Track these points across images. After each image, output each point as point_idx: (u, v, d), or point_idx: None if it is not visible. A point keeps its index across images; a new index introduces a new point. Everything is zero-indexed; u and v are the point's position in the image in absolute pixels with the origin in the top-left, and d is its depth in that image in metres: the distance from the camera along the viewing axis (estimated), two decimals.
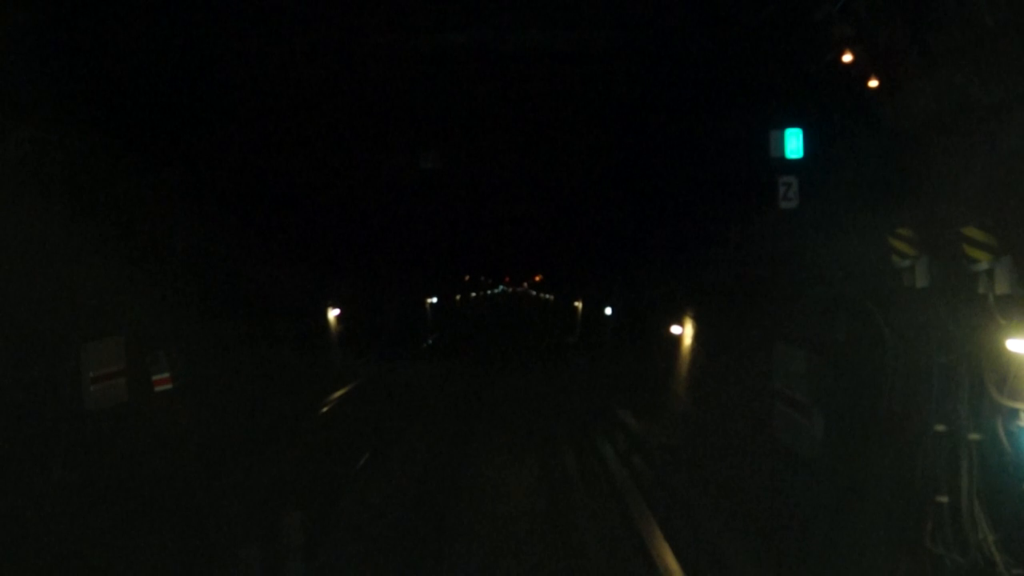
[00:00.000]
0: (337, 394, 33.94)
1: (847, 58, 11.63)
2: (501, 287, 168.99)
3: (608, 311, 42.75)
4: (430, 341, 68.18)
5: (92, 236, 15.89)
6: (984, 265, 9.06)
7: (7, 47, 12.63)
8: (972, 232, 9.13)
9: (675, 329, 24.76)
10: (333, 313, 39.83)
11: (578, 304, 61.66)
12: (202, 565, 15.80)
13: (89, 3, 13.95)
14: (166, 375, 18.82)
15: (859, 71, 11.61)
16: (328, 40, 16.38)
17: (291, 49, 16.83)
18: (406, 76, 19.10)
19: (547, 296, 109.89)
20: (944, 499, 10.04)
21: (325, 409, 31.20)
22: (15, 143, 13.54)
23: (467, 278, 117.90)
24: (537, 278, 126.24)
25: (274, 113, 20.81)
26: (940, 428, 10.16)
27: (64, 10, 13.58)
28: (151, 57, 15.86)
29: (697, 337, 22.89)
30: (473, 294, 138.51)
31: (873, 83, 11.38)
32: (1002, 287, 9.00)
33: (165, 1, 14.67)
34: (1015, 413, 8.99)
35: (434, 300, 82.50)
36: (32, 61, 13.35)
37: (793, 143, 13.65)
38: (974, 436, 9.71)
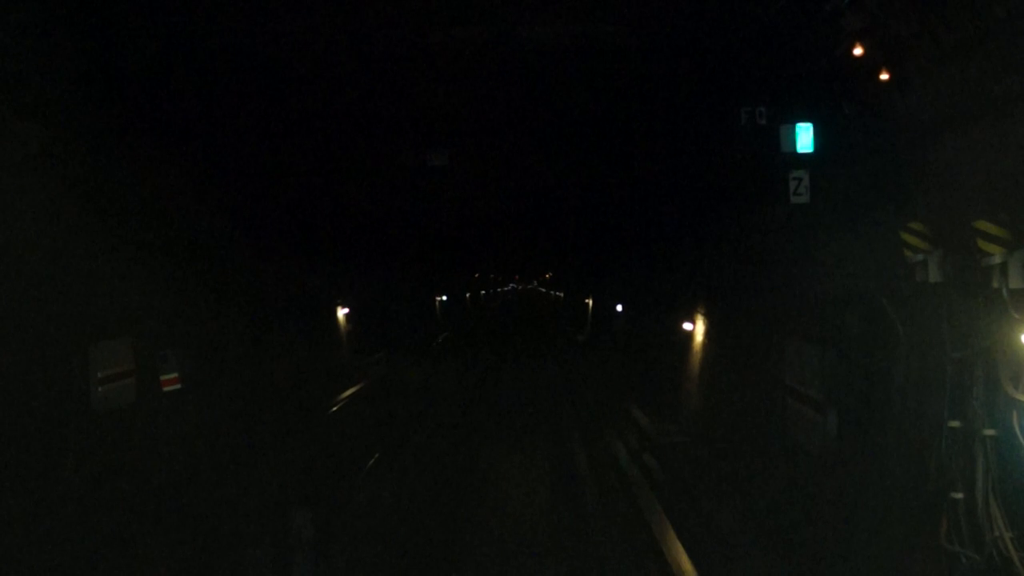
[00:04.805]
0: (346, 393, 33.90)
1: (857, 51, 11.52)
2: (511, 285, 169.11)
3: (619, 308, 42.66)
4: (440, 339, 68.09)
5: (101, 235, 15.86)
6: (997, 259, 8.95)
7: (12, 45, 12.60)
8: (985, 226, 9.03)
9: (687, 326, 24.67)
10: (342, 312, 39.80)
11: (588, 301, 61.57)
12: (211, 565, 15.77)
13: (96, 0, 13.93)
14: (174, 375, 18.77)
15: (870, 64, 11.51)
16: (337, 36, 16.33)
17: (300, 46, 16.79)
18: (414, 73, 19.04)
19: (557, 293, 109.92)
20: (959, 496, 9.95)
21: (335, 408, 31.17)
22: (22, 142, 13.50)
23: (476, 276, 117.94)
24: (547, 276, 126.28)
25: (282, 111, 20.77)
26: (954, 424, 10.07)
27: (72, 6, 13.55)
28: (160, 55, 15.82)
29: (709, 334, 22.79)
30: (483, 292, 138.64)
31: (884, 76, 11.27)
32: (1016, 281, 8.90)
33: None
34: None
35: (444, 298, 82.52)
36: (39, 58, 13.32)
37: (804, 138, 13.55)
38: (989, 432, 9.62)
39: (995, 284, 9.10)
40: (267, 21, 15.54)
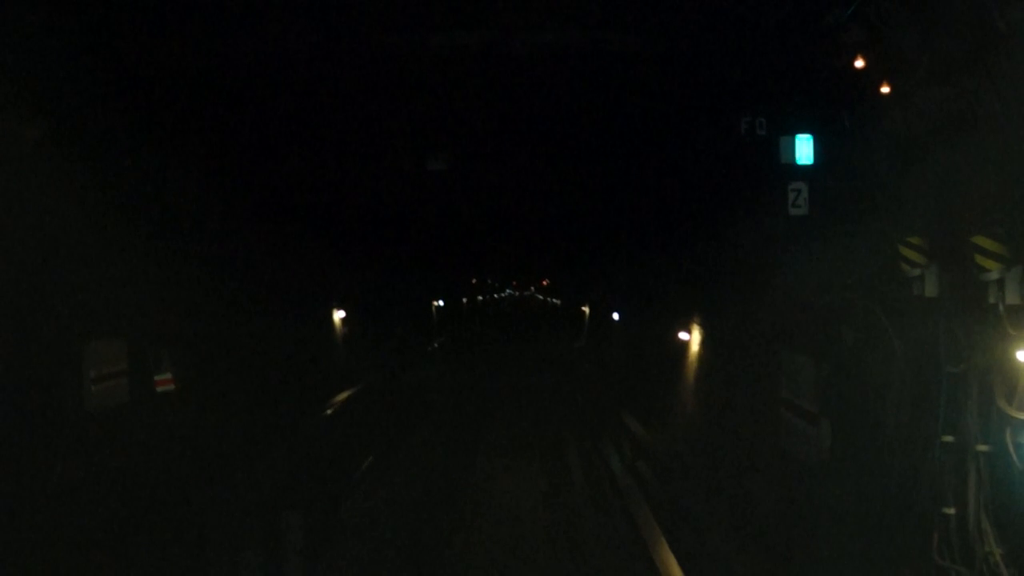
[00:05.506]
0: (341, 397, 33.86)
1: (858, 64, 11.51)
2: (508, 291, 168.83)
3: (615, 316, 42.63)
4: (436, 344, 68.06)
5: (95, 235, 15.81)
6: (994, 275, 8.94)
7: (11, 44, 12.57)
8: (982, 241, 9.02)
9: (683, 335, 24.64)
10: (338, 315, 39.74)
11: (585, 309, 61.53)
12: (203, 567, 15.72)
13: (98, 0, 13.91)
14: (168, 375, 18.73)
15: (870, 77, 11.50)
16: (336, 40, 16.29)
17: (299, 48, 16.75)
18: (413, 77, 19.00)
19: (554, 300, 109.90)
20: (951, 511, 9.94)
21: (329, 412, 31.11)
22: (19, 141, 13.46)
23: (474, 281, 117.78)
24: (544, 282, 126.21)
25: (280, 113, 20.73)
26: (948, 439, 10.05)
27: (72, 6, 13.52)
28: (155, 55, 15.79)
29: (705, 343, 22.77)
30: (480, 297, 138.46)
31: (884, 89, 11.26)
32: (1012, 297, 8.89)
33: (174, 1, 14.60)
34: None
35: (440, 303, 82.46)
36: (37, 57, 13.29)
37: (803, 149, 13.52)
38: (982, 448, 9.60)
39: (992, 300, 9.09)
40: (267, 25, 15.52)
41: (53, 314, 14.76)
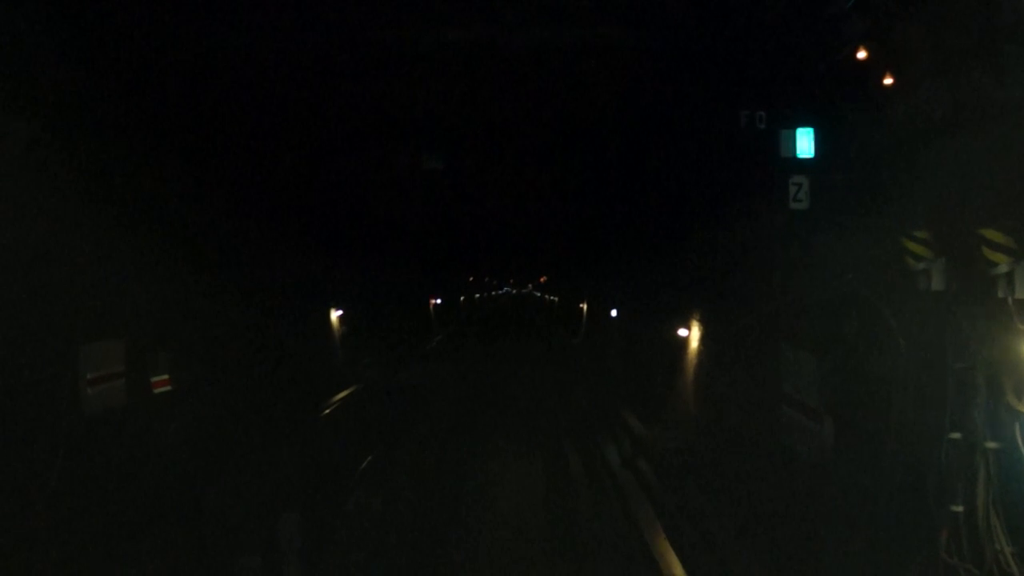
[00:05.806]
0: (339, 396, 33.76)
1: (861, 55, 11.38)
2: (506, 288, 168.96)
3: (613, 313, 42.53)
4: (434, 343, 68.00)
5: (92, 236, 15.69)
6: (1003, 268, 8.82)
7: (6, 44, 12.46)
8: (991, 234, 8.90)
9: (682, 331, 24.51)
10: (336, 314, 39.63)
11: (583, 306, 61.47)
12: (201, 570, 15.62)
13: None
14: (165, 376, 18.63)
15: (872, 68, 11.38)
16: (333, 38, 16.22)
17: (296, 47, 16.67)
18: (411, 75, 18.92)
19: (552, 298, 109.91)
20: (959, 509, 9.81)
21: (327, 412, 31.01)
22: (13, 142, 13.34)
23: (471, 279, 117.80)
24: (542, 279, 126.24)
25: (278, 112, 20.64)
26: (955, 435, 9.93)
27: (66, 6, 13.42)
28: (152, 54, 15.69)
29: (704, 339, 22.65)
30: (477, 295, 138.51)
31: (887, 80, 11.13)
32: (1022, 291, 8.77)
33: None
34: None
35: (438, 301, 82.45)
36: (32, 58, 13.18)
37: (804, 143, 13.39)
38: (991, 444, 9.48)
39: (1000, 294, 8.96)
40: (263, 21, 15.42)
41: (48, 316, 14.63)
